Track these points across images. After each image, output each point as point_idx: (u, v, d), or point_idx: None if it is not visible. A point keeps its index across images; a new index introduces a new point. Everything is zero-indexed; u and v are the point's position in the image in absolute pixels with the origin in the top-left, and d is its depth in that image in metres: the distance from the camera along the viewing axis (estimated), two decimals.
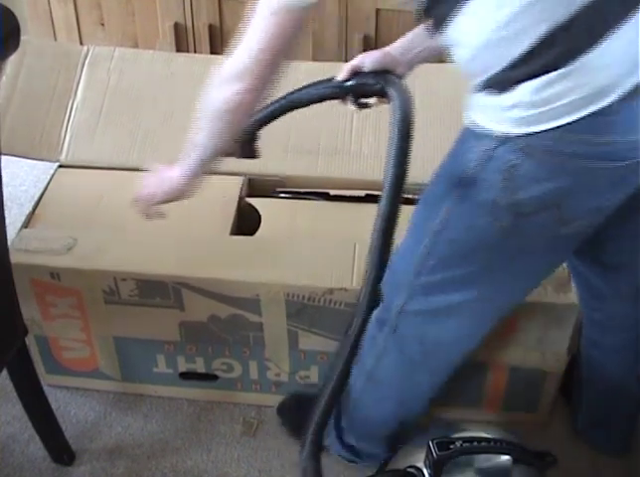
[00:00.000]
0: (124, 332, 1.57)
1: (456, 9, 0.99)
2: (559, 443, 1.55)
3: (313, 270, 1.46)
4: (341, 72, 1.23)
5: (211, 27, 2.26)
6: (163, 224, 1.56)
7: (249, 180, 1.70)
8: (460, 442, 1.18)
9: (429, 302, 1.21)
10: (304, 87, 1.27)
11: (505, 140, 1.01)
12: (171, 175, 1.27)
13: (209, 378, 1.63)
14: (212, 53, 2.27)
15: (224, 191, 1.66)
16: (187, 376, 1.63)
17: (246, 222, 1.63)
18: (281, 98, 1.28)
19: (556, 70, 0.96)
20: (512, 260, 1.13)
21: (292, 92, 1.29)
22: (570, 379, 1.58)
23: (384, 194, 1.11)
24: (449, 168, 1.12)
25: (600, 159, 0.99)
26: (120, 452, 1.59)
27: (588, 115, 0.96)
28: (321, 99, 1.27)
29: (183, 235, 1.54)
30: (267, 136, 1.74)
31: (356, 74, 1.22)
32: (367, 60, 1.21)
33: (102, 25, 2.35)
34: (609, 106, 0.96)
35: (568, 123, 0.97)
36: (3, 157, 1.23)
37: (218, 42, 2.28)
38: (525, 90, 0.98)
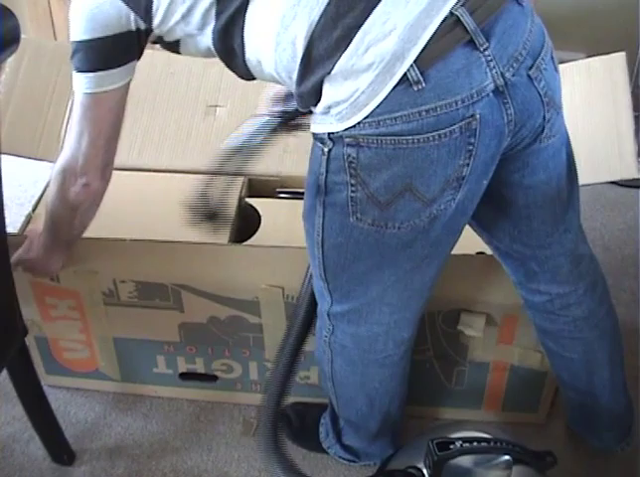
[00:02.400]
0: (124, 333, 1.57)
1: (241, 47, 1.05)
2: (558, 443, 1.56)
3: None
4: (261, 106, 1.34)
5: None
6: (163, 225, 1.56)
7: (249, 180, 1.70)
8: (460, 442, 1.18)
9: (349, 302, 1.22)
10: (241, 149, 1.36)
11: (335, 139, 1.03)
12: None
13: (209, 378, 1.63)
14: None
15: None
16: (187, 376, 1.63)
17: (246, 222, 1.63)
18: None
19: (339, 58, 0.98)
20: (401, 249, 1.12)
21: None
22: None
23: None
24: (309, 179, 1.13)
25: (428, 131, 0.99)
26: (120, 452, 1.59)
27: (393, 90, 0.97)
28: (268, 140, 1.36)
29: (182, 237, 1.53)
30: None
31: (279, 101, 1.34)
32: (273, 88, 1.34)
33: None
34: (407, 77, 0.96)
35: (379, 104, 0.98)
36: (3, 157, 1.23)
37: None
38: (328, 89, 1.00)
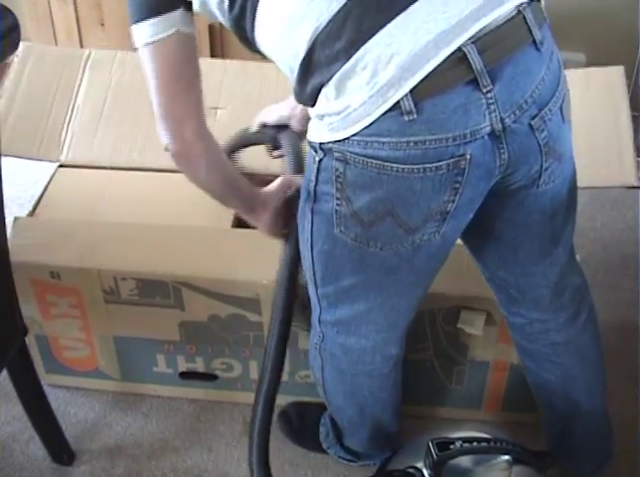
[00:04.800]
0: (124, 331, 1.57)
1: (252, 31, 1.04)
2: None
3: None
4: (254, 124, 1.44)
5: (211, 27, 2.26)
6: (163, 224, 1.56)
7: (249, 180, 1.69)
8: (460, 442, 1.18)
9: (336, 313, 1.22)
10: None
11: (326, 150, 1.01)
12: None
13: (209, 377, 1.63)
14: (212, 54, 2.27)
15: None
16: (187, 375, 1.63)
17: (246, 222, 1.63)
18: None
19: (335, 72, 0.96)
20: (385, 273, 1.11)
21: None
22: None
23: None
24: (303, 183, 1.12)
25: (414, 163, 0.97)
26: (120, 452, 1.59)
27: (384, 115, 0.95)
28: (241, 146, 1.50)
29: (183, 235, 1.54)
30: None
31: (263, 126, 1.43)
32: (272, 114, 1.41)
33: (102, 25, 2.35)
34: (399, 106, 0.94)
35: (368, 125, 0.96)
36: (3, 157, 1.23)
37: (218, 42, 2.28)
38: (323, 98, 0.99)
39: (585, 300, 1.33)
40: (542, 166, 1.06)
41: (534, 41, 0.98)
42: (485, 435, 1.24)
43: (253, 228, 1.59)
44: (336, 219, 1.06)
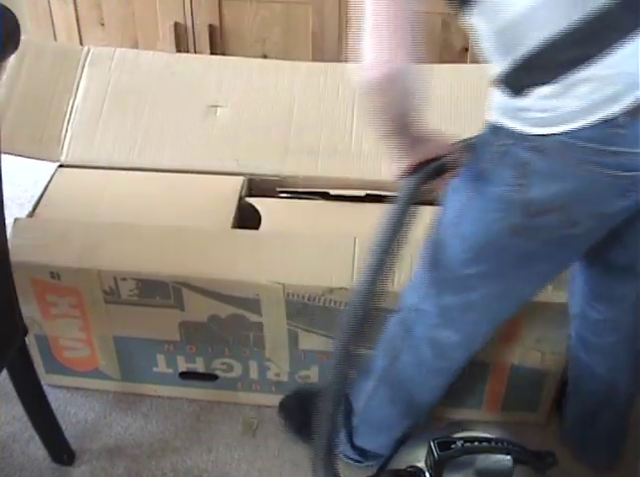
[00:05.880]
0: (124, 332, 1.57)
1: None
2: (558, 443, 1.55)
3: (313, 270, 1.46)
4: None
5: (211, 27, 2.26)
6: (163, 224, 1.56)
7: (249, 180, 1.70)
8: (461, 442, 1.18)
9: (443, 301, 1.22)
10: None
11: (520, 138, 1.04)
12: None
13: (209, 377, 1.63)
14: (212, 53, 2.27)
15: (224, 191, 1.66)
16: (187, 375, 1.63)
17: (247, 222, 1.63)
18: None
19: (563, 77, 0.98)
20: (520, 261, 1.14)
21: None
22: (562, 385, 1.57)
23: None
24: (473, 161, 1.13)
25: (607, 167, 1.01)
26: (120, 452, 1.59)
27: (596, 124, 0.98)
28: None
29: (183, 235, 1.54)
30: (267, 136, 1.75)
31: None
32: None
33: (102, 25, 2.34)
34: (614, 118, 0.98)
35: (577, 129, 0.99)
36: (3, 157, 1.23)
37: (218, 42, 2.28)
38: (535, 96, 1.01)
39: None
40: None
41: None
42: (486, 435, 1.24)
43: (253, 228, 1.60)
44: (500, 203, 1.08)
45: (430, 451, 1.17)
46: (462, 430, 1.28)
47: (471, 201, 1.13)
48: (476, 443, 1.19)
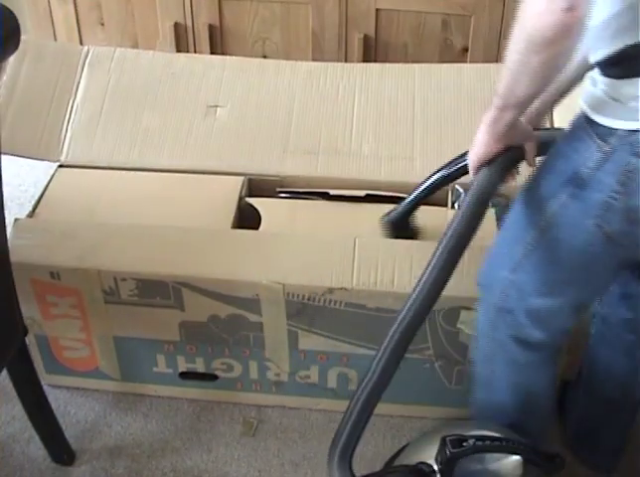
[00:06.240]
0: (124, 332, 1.57)
1: None
2: (559, 443, 1.55)
3: (313, 270, 1.46)
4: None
5: (211, 27, 2.26)
6: (163, 224, 1.56)
7: (249, 180, 1.70)
8: (473, 440, 1.18)
9: (522, 301, 1.19)
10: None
11: (621, 142, 0.99)
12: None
13: (209, 377, 1.63)
14: (212, 53, 2.28)
15: (224, 191, 1.66)
16: (187, 375, 1.63)
17: (247, 222, 1.63)
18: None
19: None
20: (606, 270, 1.12)
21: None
22: (563, 388, 1.56)
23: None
24: (561, 165, 1.09)
25: None
26: (120, 452, 1.59)
27: None
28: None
29: (183, 235, 1.54)
30: (267, 136, 1.75)
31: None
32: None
33: (102, 25, 2.35)
34: None
35: None
36: (3, 157, 1.23)
37: (218, 42, 2.28)
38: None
39: None
40: None
41: None
42: (497, 434, 1.24)
43: (253, 228, 1.60)
44: (600, 210, 1.03)
45: (442, 448, 1.17)
46: (473, 429, 1.27)
47: (567, 206, 1.07)
48: (487, 442, 1.19)
